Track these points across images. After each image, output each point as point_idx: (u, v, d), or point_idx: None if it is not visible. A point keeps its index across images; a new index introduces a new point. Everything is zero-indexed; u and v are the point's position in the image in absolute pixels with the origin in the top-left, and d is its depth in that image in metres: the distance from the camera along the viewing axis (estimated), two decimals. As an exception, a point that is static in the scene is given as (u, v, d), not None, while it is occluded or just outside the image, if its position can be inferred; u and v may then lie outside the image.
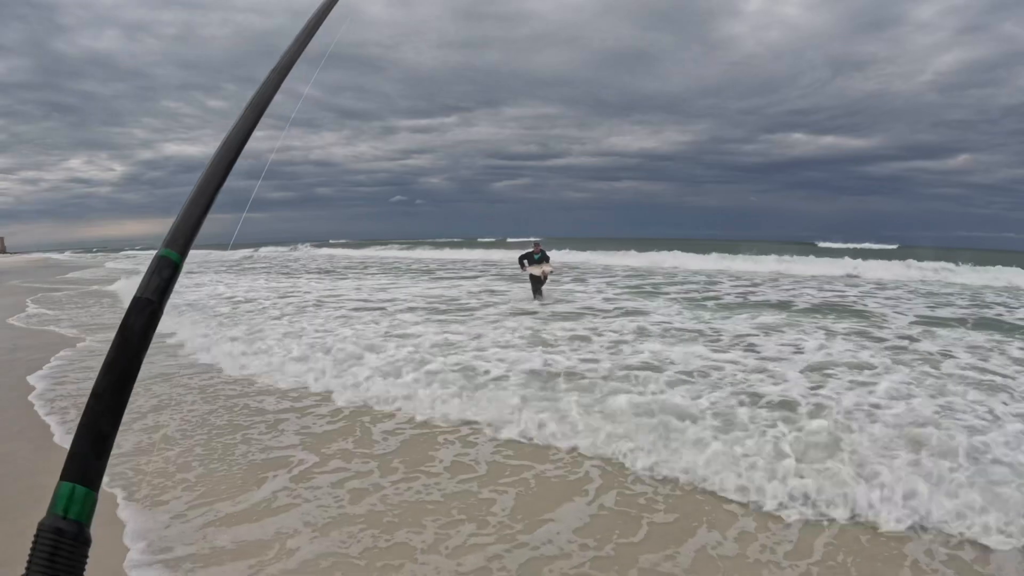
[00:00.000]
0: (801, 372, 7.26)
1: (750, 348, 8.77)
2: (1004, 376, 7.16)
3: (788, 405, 5.89)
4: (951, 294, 16.84)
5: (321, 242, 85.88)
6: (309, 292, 17.23)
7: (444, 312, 12.70)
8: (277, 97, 1.03)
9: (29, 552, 0.56)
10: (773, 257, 26.63)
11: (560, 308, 13.18)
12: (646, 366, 7.45)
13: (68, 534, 0.57)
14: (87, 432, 0.62)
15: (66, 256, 66.65)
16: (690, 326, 10.74)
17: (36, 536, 0.57)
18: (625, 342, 9.07)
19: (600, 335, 9.68)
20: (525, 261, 14.39)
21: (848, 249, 39.11)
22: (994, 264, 22.93)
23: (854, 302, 14.67)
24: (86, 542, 0.59)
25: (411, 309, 13.14)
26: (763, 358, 8.06)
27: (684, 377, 6.98)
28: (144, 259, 46.58)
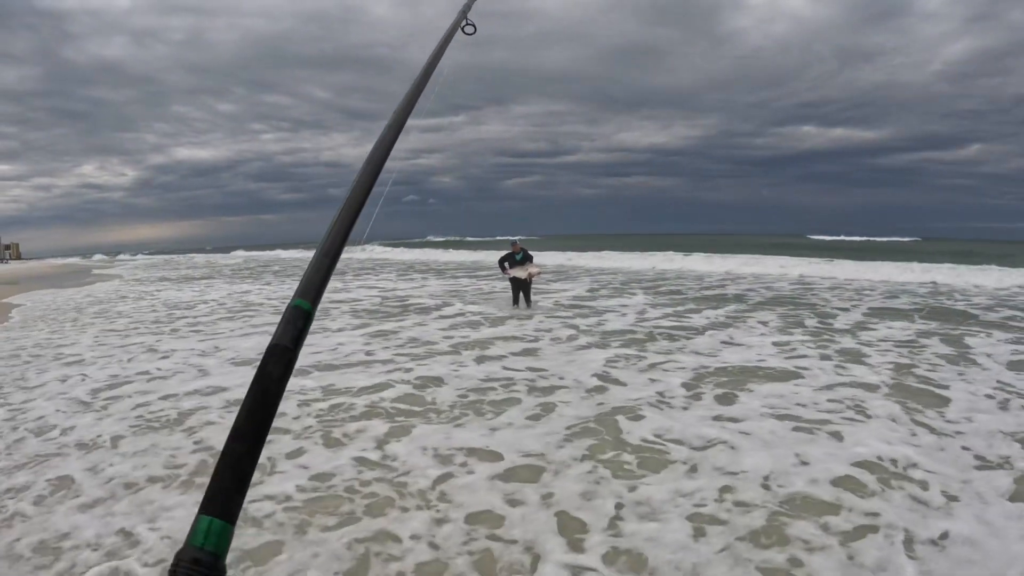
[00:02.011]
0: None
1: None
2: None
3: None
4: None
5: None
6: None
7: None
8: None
9: None
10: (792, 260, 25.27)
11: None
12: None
13: (205, 564, 0.61)
14: (228, 470, 0.66)
15: (71, 261, 68.18)
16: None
17: (174, 565, 0.61)
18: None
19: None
20: (506, 263, 12.82)
21: (869, 243, 36.72)
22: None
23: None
24: (222, 572, 0.62)
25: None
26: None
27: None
28: (127, 263, 47.64)
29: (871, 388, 6.75)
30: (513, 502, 4.03)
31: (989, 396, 6.40)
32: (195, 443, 5.27)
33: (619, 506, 3.95)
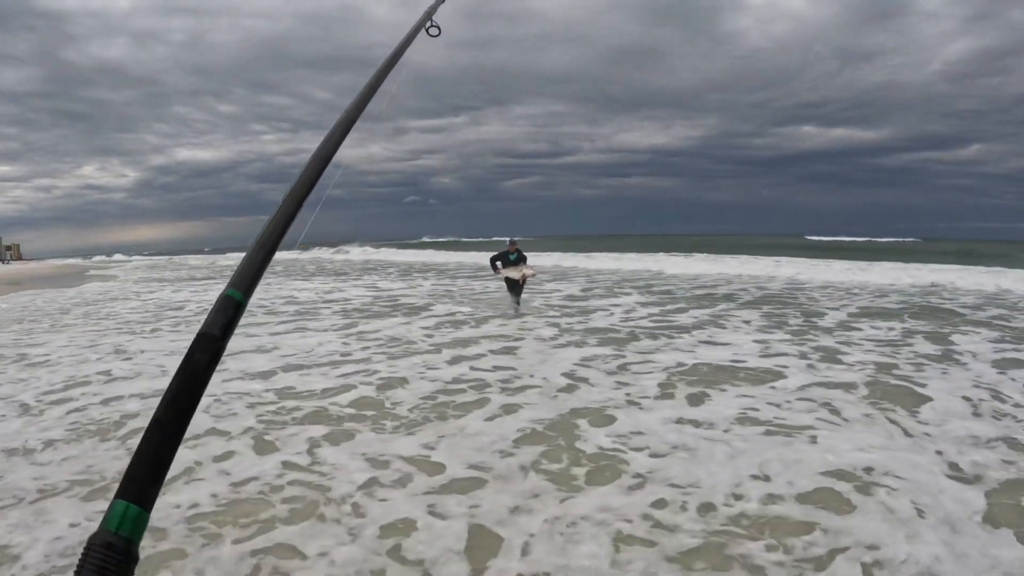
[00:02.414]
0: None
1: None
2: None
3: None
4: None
5: (379, 241, 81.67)
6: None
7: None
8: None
9: (78, 563, 0.58)
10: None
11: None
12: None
13: (118, 549, 0.59)
14: (146, 456, 0.65)
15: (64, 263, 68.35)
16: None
17: (86, 549, 0.60)
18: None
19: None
20: (499, 263, 12.06)
21: (869, 244, 35.97)
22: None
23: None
24: (134, 559, 0.61)
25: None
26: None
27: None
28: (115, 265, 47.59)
29: (849, 388, 6.45)
30: (433, 517, 3.70)
31: (967, 398, 6.08)
32: (127, 450, 4.95)
33: (547, 522, 3.61)
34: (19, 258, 75.53)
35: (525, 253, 12.18)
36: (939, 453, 4.62)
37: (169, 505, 3.83)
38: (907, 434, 5.07)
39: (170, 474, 2.95)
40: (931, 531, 3.42)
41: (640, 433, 5.13)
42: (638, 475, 4.29)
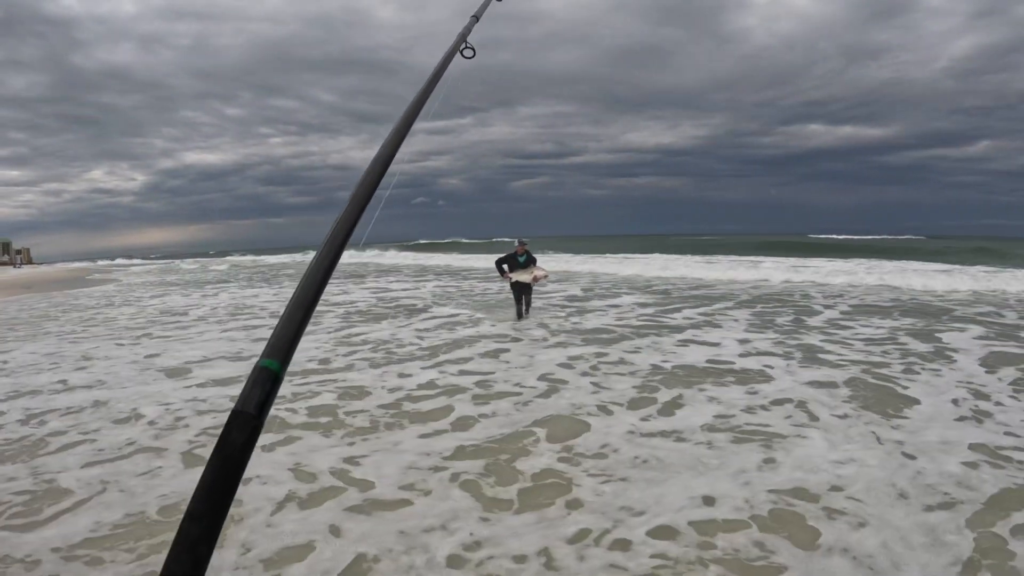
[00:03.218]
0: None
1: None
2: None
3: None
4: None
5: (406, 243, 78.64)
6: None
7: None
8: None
9: None
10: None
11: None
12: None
13: None
14: (183, 555, 0.60)
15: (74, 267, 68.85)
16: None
17: None
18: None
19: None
20: (505, 266, 10.85)
21: (876, 242, 35.20)
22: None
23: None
24: None
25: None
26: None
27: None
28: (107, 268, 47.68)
29: (831, 389, 6.20)
30: (305, 548, 3.38)
31: (954, 401, 5.80)
32: (30, 473, 4.52)
33: (435, 562, 3.18)
34: (29, 262, 76.30)
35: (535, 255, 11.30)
36: (918, 472, 4.34)
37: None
38: (880, 442, 4.80)
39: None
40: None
41: (600, 444, 4.87)
42: (577, 499, 3.91)
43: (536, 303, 12.93)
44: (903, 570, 3.05)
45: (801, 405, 5.76)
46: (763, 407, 5.74)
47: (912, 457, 4.49)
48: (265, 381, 0.71)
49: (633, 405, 5.93)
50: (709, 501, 3.84)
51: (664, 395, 6.20)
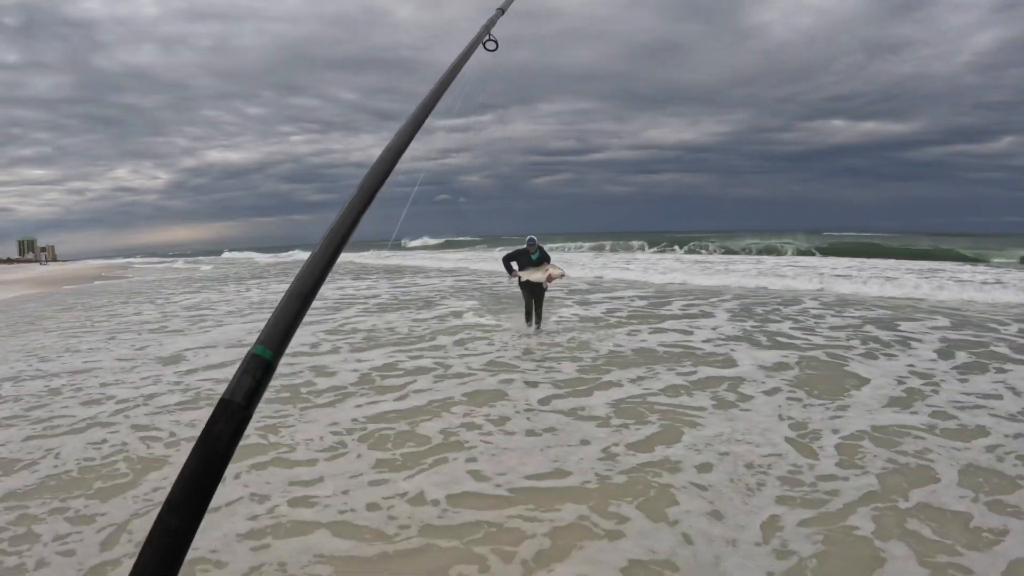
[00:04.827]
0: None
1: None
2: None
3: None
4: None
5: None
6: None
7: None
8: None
9: None
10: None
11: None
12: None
13: None
14: (158, 546, 0.58)
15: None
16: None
17: None
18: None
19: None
20: (514, 264, 9.32)
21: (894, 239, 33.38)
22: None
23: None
24: None
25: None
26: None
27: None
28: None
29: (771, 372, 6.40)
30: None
31: (896, 395, 5.85)
32: None
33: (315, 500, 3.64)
34: (54, 259, 78.59)
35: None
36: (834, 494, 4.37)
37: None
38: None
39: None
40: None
41: (503, 419, 5.20)
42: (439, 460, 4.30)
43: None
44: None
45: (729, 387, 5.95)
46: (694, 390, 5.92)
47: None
48: (256, 369, 0.68)
49: (564, 385, 6.21)
50: (555, 473, 4.11)
51: (599, 378, 6.44)
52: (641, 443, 4.57)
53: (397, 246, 59.26)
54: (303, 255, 51.12)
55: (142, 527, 3.47)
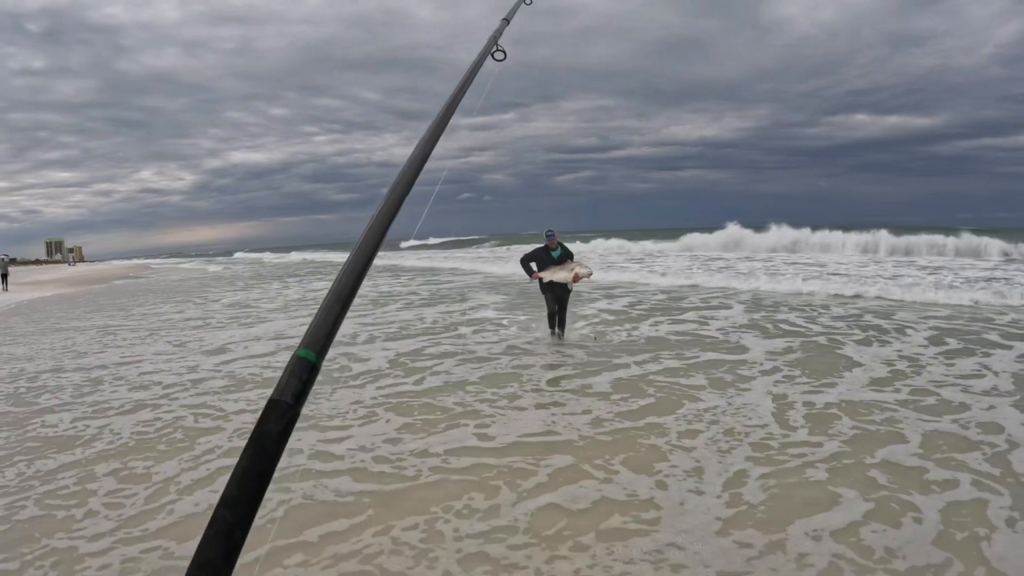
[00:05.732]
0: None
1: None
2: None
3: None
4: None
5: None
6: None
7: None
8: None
9: None
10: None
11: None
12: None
13: None
14: (217, 540, 0.61)
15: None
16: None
17: None
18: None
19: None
20: (533, 265, 8.46)
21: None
22: None
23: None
24: None
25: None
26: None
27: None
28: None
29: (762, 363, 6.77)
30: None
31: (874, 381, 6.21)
32: None
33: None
34: (81, 260, 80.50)
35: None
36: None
37: None
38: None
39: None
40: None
41: (473, 403, 5.66)
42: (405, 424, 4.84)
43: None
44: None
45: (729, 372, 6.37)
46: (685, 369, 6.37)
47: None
48: (302, 371, 0.71)
49: (572, 367, 6.68)
50: (549, 432, 4.68)
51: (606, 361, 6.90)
52: (634, 412, 5.03)
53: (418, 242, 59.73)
54: (301, 255, 52.88)
55: (189, 480, 3.98)
